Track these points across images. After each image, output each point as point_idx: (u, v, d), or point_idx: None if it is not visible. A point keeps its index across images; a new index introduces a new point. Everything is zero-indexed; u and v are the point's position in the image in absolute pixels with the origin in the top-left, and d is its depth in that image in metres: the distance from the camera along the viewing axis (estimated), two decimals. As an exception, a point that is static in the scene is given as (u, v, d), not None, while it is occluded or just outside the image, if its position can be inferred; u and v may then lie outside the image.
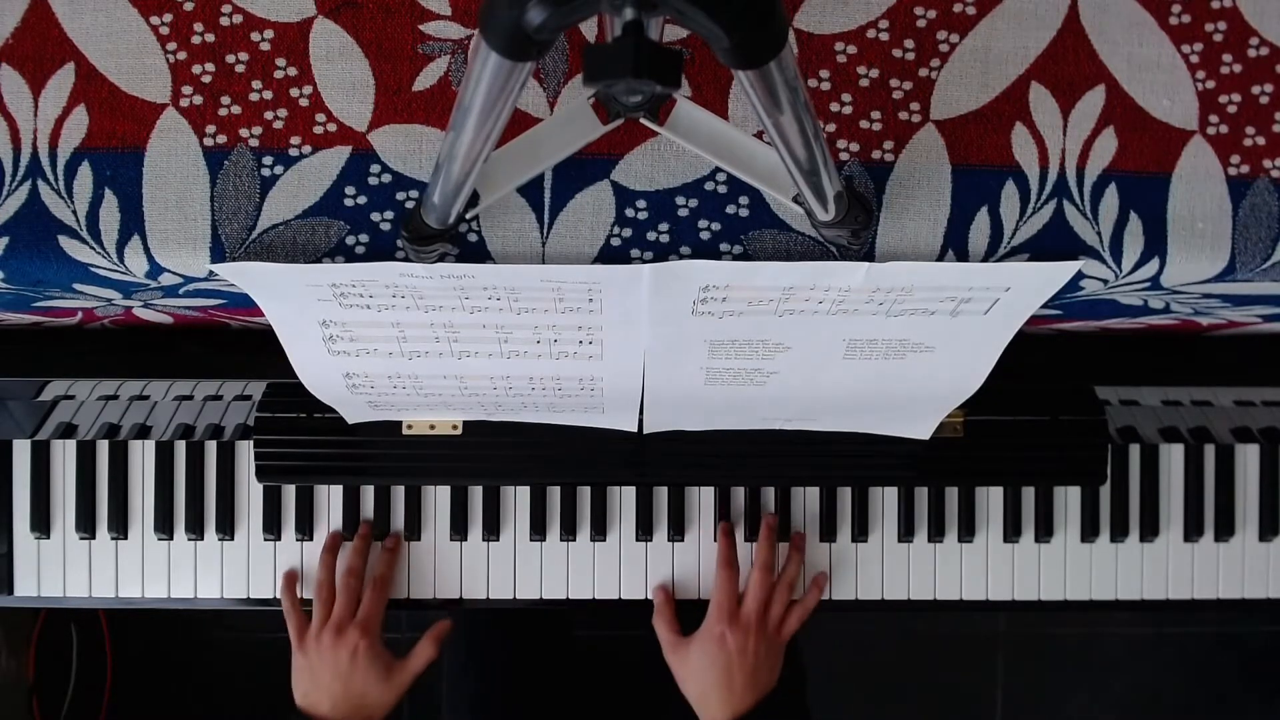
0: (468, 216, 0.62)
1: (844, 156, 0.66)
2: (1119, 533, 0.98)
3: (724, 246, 0.66)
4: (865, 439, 0.88)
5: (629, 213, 0.65)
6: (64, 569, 0.97)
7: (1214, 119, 0.66)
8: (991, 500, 0.99)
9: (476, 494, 0.97)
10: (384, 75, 0.65)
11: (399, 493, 0.97)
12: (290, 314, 0.69)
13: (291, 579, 0.95)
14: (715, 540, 0.97)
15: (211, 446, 0.97)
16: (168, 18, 0.65)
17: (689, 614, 0.94)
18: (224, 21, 0.65)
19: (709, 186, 0.66)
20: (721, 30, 0.38)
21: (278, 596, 0.95)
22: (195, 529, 0.96)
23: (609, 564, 0.97)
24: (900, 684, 1.72)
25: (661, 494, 0.97)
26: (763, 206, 0.66)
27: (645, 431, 0.87)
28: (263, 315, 0.69)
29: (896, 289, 0.65)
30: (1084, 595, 0.99)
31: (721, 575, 0.91)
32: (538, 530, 0.97)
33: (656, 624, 0.93)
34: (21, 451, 0.97)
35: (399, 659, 0.90)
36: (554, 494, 0.97)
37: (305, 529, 0.96)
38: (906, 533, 0.98)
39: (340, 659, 0.87)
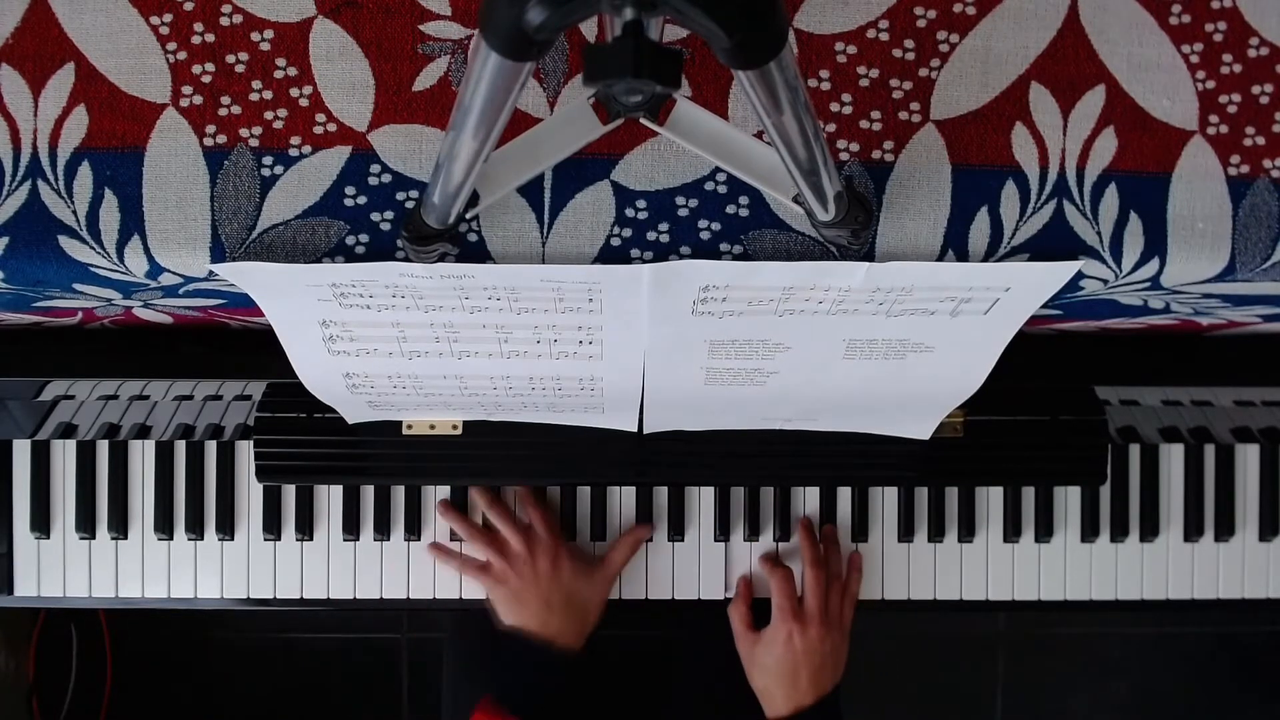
0: (468, 216, 0.62)
1: (844, 156, 0.66)
2: (1119, 533, 0.98)
3: (724, 246, 0.66)
4: (865, 439, 0.88)
5: (629, 213, 0.65)
6: (64, 569, 0.97)
7: (1214, 119, 0.66)
8: (991, 500, 0.99)
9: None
10: (384, 75, 0.65)
11: (399, 493, 0.97)
12: (290, 314, 0.69)
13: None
14: (716, 540, 0.97)
15: (211, 446, 0.97)
16: (168, 18, 0.65)
17: (688, 613, 0.94)
18: (224, 21, 0.65)
19: (709, 186, 0.66)
20: (721, 30, 0.38)
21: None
22: (195, 529, 0.96)
23: (609, 564, 0.97)
24: (900, 684, 1.72)
25: (661, 494, 0.97)
26: (763, 206, 0.65)
27: (645, 431, 0.87)
28: (263, 315, 0.69)
29: (896, 289, 0.65)
30: (1084, 595, 0.99)
31: (777, 576, 0.93)
32: (538, 530, 0.97)
33: (731, 612, 0.95)
34: (21, 451, 0.97)
35: (598, 558, 0.93)
36: (554, 494, 0.97)
37: (305, 529, 0.96)
38: (906, 533, 0.98)
39: (542, 569, 0.89)
